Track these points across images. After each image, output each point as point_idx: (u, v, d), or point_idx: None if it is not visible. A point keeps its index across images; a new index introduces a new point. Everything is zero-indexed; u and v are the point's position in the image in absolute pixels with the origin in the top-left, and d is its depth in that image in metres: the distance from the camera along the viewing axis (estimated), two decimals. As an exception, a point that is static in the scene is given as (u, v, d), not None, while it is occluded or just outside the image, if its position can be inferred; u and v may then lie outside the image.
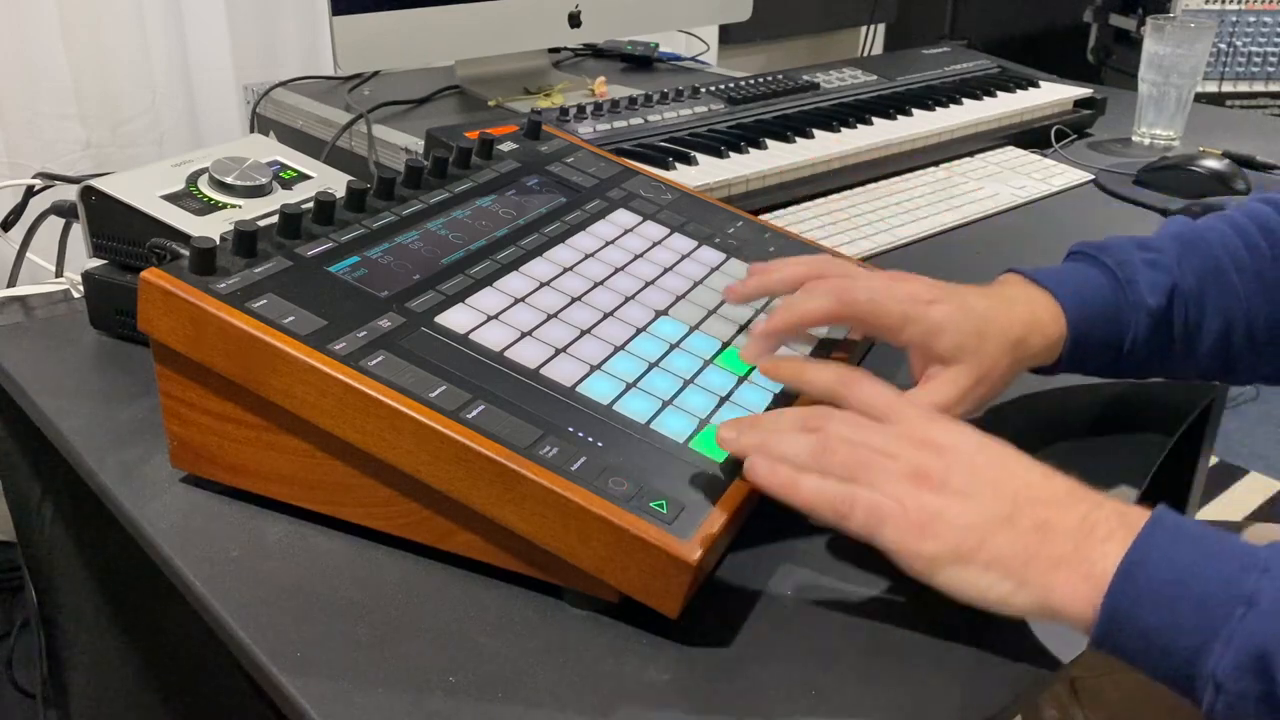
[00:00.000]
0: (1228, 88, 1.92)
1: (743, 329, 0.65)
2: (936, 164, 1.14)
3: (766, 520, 0.57)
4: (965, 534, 0.47)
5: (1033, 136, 1.25)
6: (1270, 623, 0.42)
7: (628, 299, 0.65)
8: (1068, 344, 0.62)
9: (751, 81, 1.20)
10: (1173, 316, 0.64)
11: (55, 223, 0.87)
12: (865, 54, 2.67)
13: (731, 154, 0.99)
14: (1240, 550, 0.45)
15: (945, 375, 0.59)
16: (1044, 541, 0.47)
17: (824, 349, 0.65)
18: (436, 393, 0.51)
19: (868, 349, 0.71)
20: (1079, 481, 0.49)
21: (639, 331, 0.62)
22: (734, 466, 0.53)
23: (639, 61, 1.53)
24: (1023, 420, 0.68)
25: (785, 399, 0.59)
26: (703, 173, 0.94)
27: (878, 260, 0.90)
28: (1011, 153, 1.20)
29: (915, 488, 0.49)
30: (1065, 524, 0.47)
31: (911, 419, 0.52)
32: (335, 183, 0.79)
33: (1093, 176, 1.15)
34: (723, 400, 0.58)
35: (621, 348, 0.60)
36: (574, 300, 0.63)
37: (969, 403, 0.60)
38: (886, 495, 0.49)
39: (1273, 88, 1.92)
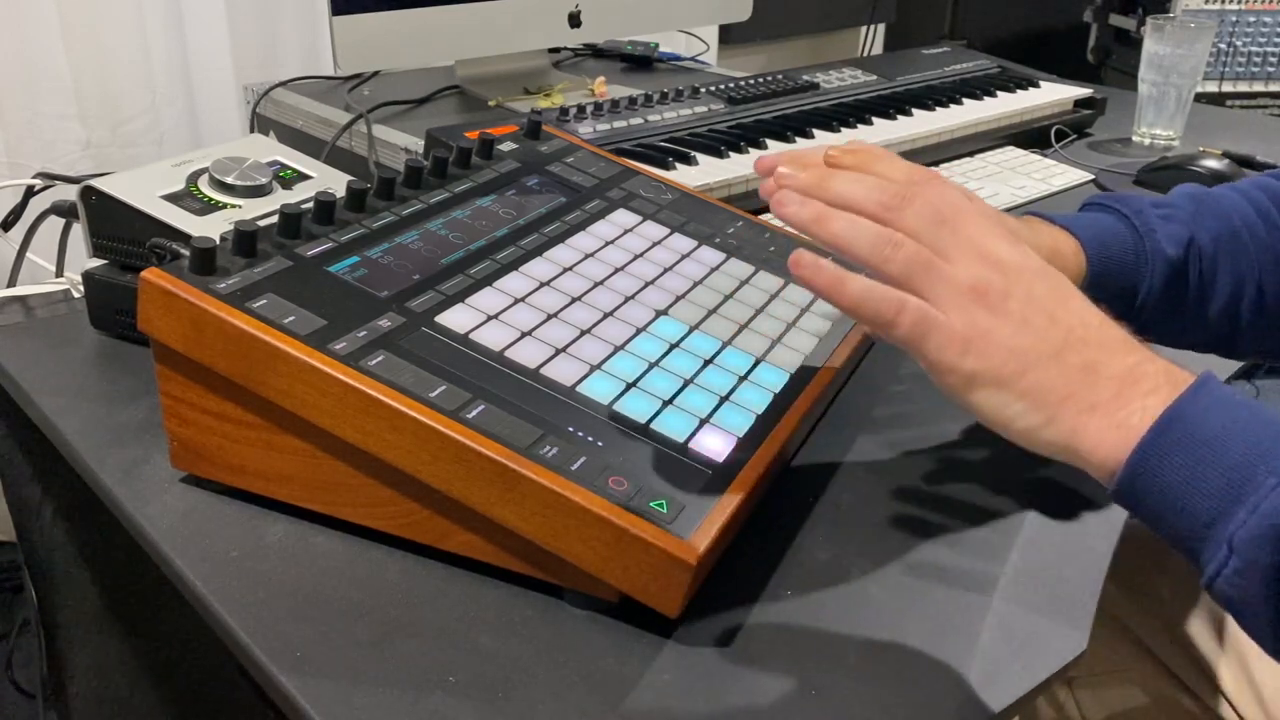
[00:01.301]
0: (1228, 88, 1.92)
1: (743, 328, 0.65)
2: (936, 164, 1.14)
3: (766, 520, 0.57)
4: (1010, 357, 0.46)
5: (1033, 136, 1.25)
6: None
7: (628, 299, 0.65)
8: (1085, 284, 0.61)
9: (751, 81, 1.20)
10: (1188, 270, 0.63)
11: (55, 223, 0.87)
12: (865, 54, 2.66)
13: (731, 154, 0.99)
14: None
15: None
16: (1086, 383, 0.46)
17: (823, 349, 0.65)
18: (436, 392, 0.51)
19: (867, 349, 0.71)
20: (1131, 334, 0.48)
21: (639, 331, 0.62)
22: (734, 467, 0.53)
23: (639, 61, 1.53)
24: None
25: (785, 399, 0.59)
26: (703, 173, 0.94)
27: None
28: (1011, 153, 1.20)
29: (971, 302, 0.47)
30: (1111, 370, 0.46)
31: (980, 228, 0.49)
32: (335, 183, 0.79)
33: (1093, 176, 1.15)
34: (723, 400, 0.58)
35: (621, 347, 0.60)
36: (574, 300, 0.63)
37: None
38: (939, 303, 0.47)
39: (1273, 88, 1.92)
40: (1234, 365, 0.74)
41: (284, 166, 0.80)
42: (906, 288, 0.48)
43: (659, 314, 0.64)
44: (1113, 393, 0.45)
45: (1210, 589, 0.43)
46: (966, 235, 0.49)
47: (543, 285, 0.63)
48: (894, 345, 0.49)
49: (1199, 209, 0.65)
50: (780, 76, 1.23)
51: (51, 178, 0.91)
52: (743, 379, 0.60)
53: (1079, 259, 0.61)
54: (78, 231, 0.77)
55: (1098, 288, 0.62)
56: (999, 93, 1.28)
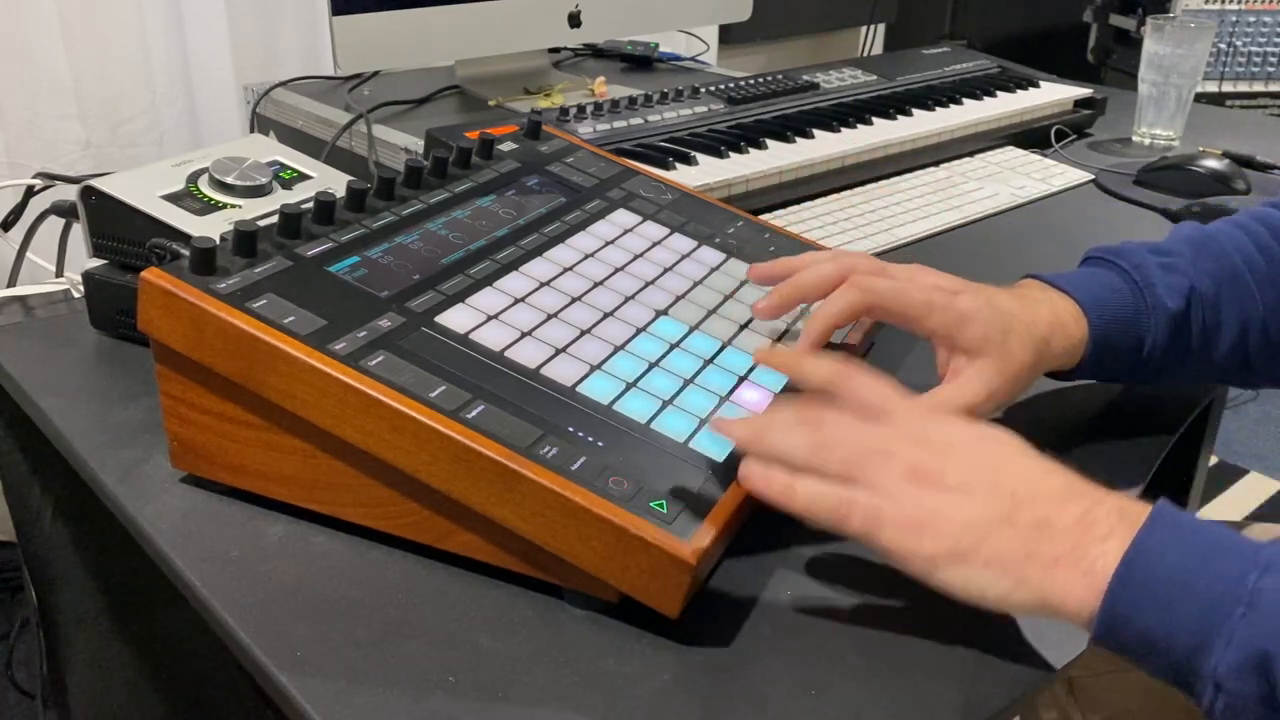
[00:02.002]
0: (1228, 88, 1.92)
1: (743, 328, 0.65)
2: (936, 164, 1.14)
3: (767, 520, 0.57)
4: (964, 532, 0.47)
5: (1033, 136, 1.25)
6: (1271, 623, 0.41)
7: (628, 299, 0.65)
8: (1089, 348, 0.62)
9: (751, 81, 1.20)
10: (1191, 319, 0.64)
11: (55, 223, 0.87)
12: (865, 54, 2.67)
13: (731, 154, 0.99)
14: (1240, 548, 0.44)
15: (971, 370, 0.59)
16: (1042, 539, 0.46)
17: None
18: (436, 393, 0.51)
19: (866, 351, 0.71)
20: (1078, 476, 0.49)
21: (639, 331, 0.62)
22: (734, 466, 0.53)
23: (639, 61, 1.53)
24: (1023, 420, 0.68)
25: (785, 399, 0.59)
26: (703, 173, 0.94)
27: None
28: (1011, 153, 1.20)
29: (913, 486, 0.48)
30: (1064, 521, 0.47)
31: (907, 415, 0.51)
32: (335, 183, 0.79)
33: (1093, 176, 1.15)
34: (723, 400, 0.58)
35: (621, 347, 0.60)
36: (574, 300, 0.63)
37: (995, 400, 0.59)
38: (884, 495, 0.48)
39: (1273, 88, 1.92)
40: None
41: (284, 166, 0.80)
42: (852, 483, 0.49)
43: (659, 314, 0.64)
44: (1070, 544, 0.46)
45: None
46: (895, 423, 0.51)
47: (543, 285, 0.63)
48: (853, 538, 0.50)
49: (1198, 253, 0.65)
50: (780, 76, 1.23)
51: (51, 178, 0.91)
52: (743, 379, 0.60)
53: (1081, 325, 0.62)
54: (78, 231, 0.77)
55: (1102, 348, 0.62)
56: (999, 93, 1.28)
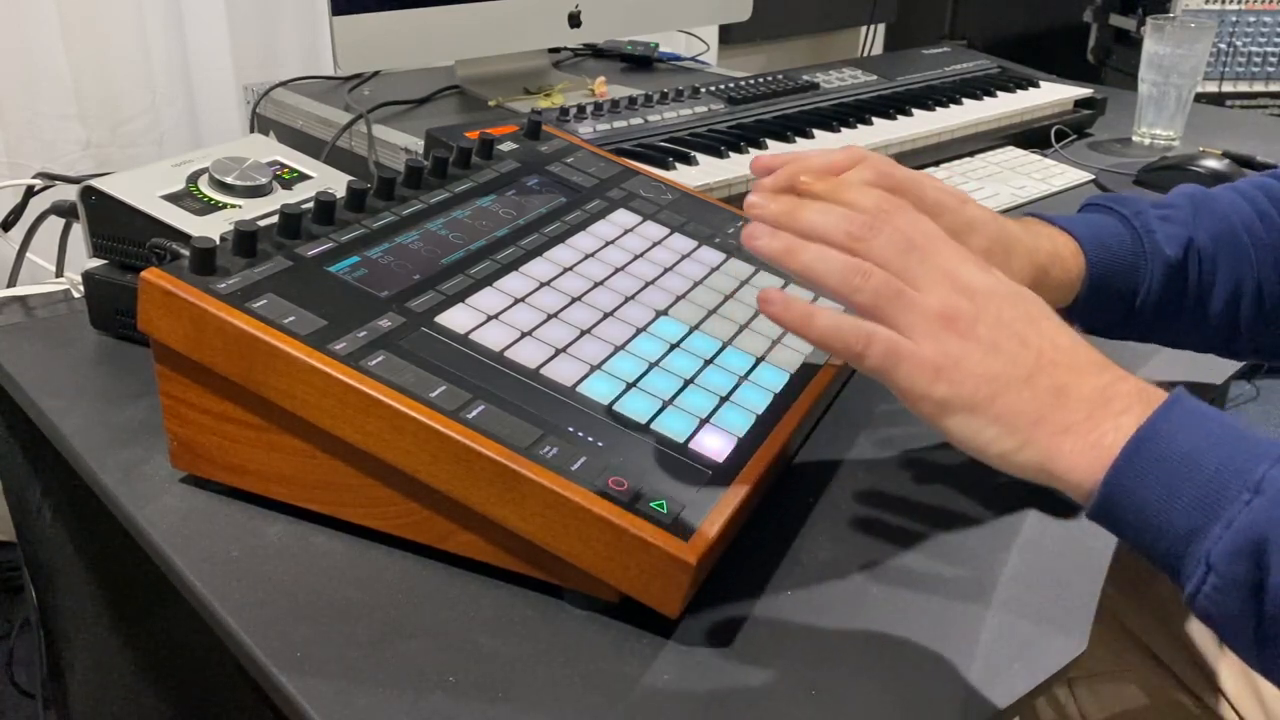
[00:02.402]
0: (1228, 88, 1.92)
1: (744, 328, 0.65)
2: (936, 164, 1.14)
3: (766, 520, 0.57)
4: (981, 383, 0.46)
5: (1033, 136, 1.25)
6: (1275, 511, 0.41)
7: (628, 299, 0.65)
8: (1085, 286, 0.62)
9: (751, 81, 1.20)
10: (1187, 270, 0.63)
11: (55, 223, 0.87)
12: (865, 54, 2.66)
13: (731, 154, 0.99)
14: (1254, 440, 0.44)
15: None
16: (1058, 405, 0.46)
17: (809, 370, 0.64)
18: (436, 393, 0.51)
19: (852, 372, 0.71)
20: (1104, 355, 0.48)
21: (639, 331, 0.62)
22: (734, 467, 0.53)
23: (639, 61, 1.53)
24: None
25: (785, 399, 0.59)
26: (703, 173, 0.94)
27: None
28: (1011, 153, 1.20)
29: (941, 328, 0.47)
30: (1083, 391, 0.46)
31: (948, 256, 0.50)
32: (335, 183, 0.79)
33: (1093, 176, 1.15)
34: (723, 400, 0.58)
35: (622, 348, 0.60)
36: (574, 300, 0.63)
37: None
38: (908, 332, 0.47)
39: (1273, 88, 1.92)
40: (1234, 366, 0.74)
41: (284, 166, 0.80)
42: (876, 317, 0.48)
43: (659, 314, 0.64)
44: (1085, 414, 0.46)
45: (1192, 605, 0.43)
46: (935, 263, 0.49)
47: (543, 285, 0.63)
48: (867, 373, 0.49)
49: (1198, 210, 0.65)
50: (780, 76, 1.23)
51: (51, 178, 0.91)
52: (743, 379, 0.60)
53: (1079, 260, 0.61)
54: (78, 231, 0.77)
55: (1097, 289, 0.62)
56: (999, 93, 1.28)
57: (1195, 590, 0.43)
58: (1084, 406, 0.46)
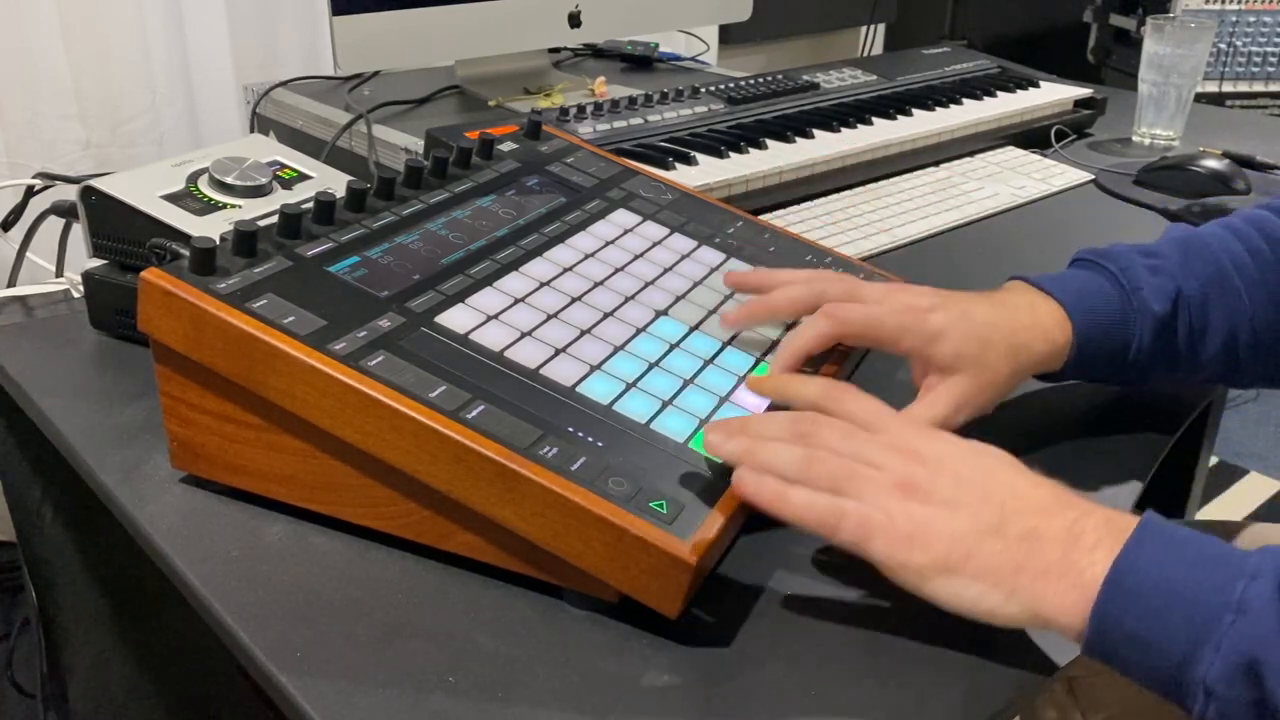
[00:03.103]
0: (1228, 88, 1.92)
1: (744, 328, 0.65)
2: (936, 164, 1.14)
3: (766, 520, 0.57)
4: (953, 544, 0.47)
5: (1033, 136, 1.25)
6: (1259, 629, 0.42)
7: (628, 299, 0.65)
8: (1073, 351, 0.62)
9: (751, 81, 1.20)
10: (1177, 323, 0.64)
11: (55, 223, 0.87)
12: (865, 54, 2.67)
13: (731, 154, 0.99)
14: (1228, 556, 0.45)
15: (943, 386, 0.59)
16: (1032, 550, 0.47)
17: (814, 363, 0.64)
18: (436, 393, 0.51)
19: (861, 358, 0.71)
20: (1066, 488, 0.49)
21: (639, 331, 0.62)
22: (733, 468, 0.53)
23: (639, 61, 1.53)
24: (1022, 420, 0.68)
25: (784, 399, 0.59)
26: (703, 173, 0.94)
27: (878, 260, 0.90)
28: (1011, 153, 1.20)
29: (902, 498, 0.49)
30: (1052, 532, 0.47)
31: (896, 429, 0.52)
32: (335, 183, 0.79)
33: (1093, 176, 1.15)
34: (723, 400, 0.58)
35: (621, 348, 0.60)
36: (574, 300, 0.63)
37: (969, 411, 0.59)
38: (874, 507, 0.48)
39: (1273, 88, 1.92)
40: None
41: (284, 166, 0.80)
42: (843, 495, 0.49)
43: (659, 314, 0.64)
44: (1059, 554, 0.46)
45: None
46: (884, 440, 0.51)
47: (543, 285, 0.63)
48: (845, 547, 0.50)
49: (1187, 255, 0.65)
50: (780, 76, 1.23)
51: (51, 178, 0.91)
52: (743, 379, 0.60)
53: (1065, 331, 0.62)
54: (78, 231, 0.77)
55: (1085, 352, 0.63)
56: (999, 93, 1.28)
57: (1202, 715, 0.43)
58: (1056, 546, 0.47)
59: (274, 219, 0.60)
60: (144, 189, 0.73)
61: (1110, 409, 0.72)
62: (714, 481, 0.52)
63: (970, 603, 0.47)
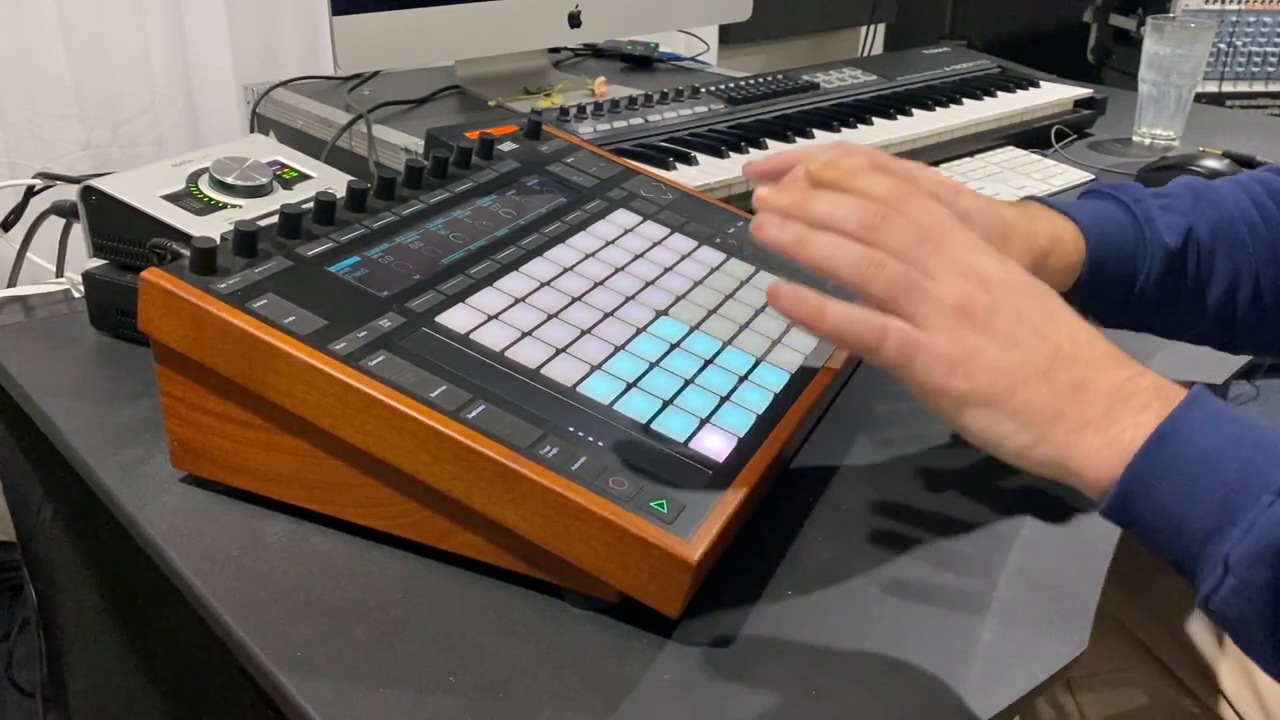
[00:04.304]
0: (1228, 88, 1.92)
1: (744, 328, 0.65)
2: (936, 164, 1.14)
3: (767, 520, 0.57)
4: (998, 377, 0.45)
5: (1033, 136, 1.25)
6: None
7: (628, 299, 0.65)
8: (1085, 270, 0.61)
9: (751, 81, 1.20)
10: (1186, 259, 0.63)
11: (55, 223, 0.87)
12: (865, 54, 2.66)
13: (731, 154, 0.99)
14: (1275, 441, 0.43)
15: None
16: (1076, 400, 0.45)
17: (823, 349, 0.64)
18: (437, 393, 0.51)
19: (855, 368, 0.71)
20: (1121, 350, 0.48)
21: (639, 331, 0.62)
22: (734, 467, 0.53)
23: (639, 61, 1.53)
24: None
25: (785, 399, 0.59)
26: (703, 173, 0.94)
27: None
28: (1011, 153, 1.20)
29: (958, 321, 0.46)
30: (1101, 386, 0.45)
31: (964, 246, 0.49)
32: (335, 183, 0.79)
33: (1093, 177, 1.15)
34: (723, 400, 0.58)
35: (622, 347, 0.60)
36: (574, 300, 0.63)
37: None
38: (925, 325, 0.46)
39: (1273, 88, 1.92)
40: (1235, 364, 0.74)
41: (284, 166, 0.80)
42: (891, 309, 0.47)
43: (659, 314, 0.64)
44: (1103, 410, 0.45)
45: (1206, 608, 0.43)
46: (950, 252, 0.48)
47: (543, 285, 0.63)
48: (881, 367, 0.48)
49: (1198, 200, 0.65)
50: (780, 76, 1.23)
51: (51, 178, 0.91)
52: (743, 379, 0.60)
53: (1078, 245, 0.61)
54: (78, 231, 0.77)
55: (1097, 274, 0.62)
56: (999, 93, 1.28)
57: (1211, 592, 0.42)
58: (1102, 402, 0.45)
59: (274, 219, 0.60)
60: (144, 189, 0.73)
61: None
62: (715, 481, 0.52)
63: (1000, 439, 0.46)
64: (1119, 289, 0.63)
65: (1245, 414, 0.45)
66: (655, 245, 0.72)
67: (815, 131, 1.07)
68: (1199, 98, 1.32)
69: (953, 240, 0.48)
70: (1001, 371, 0.46)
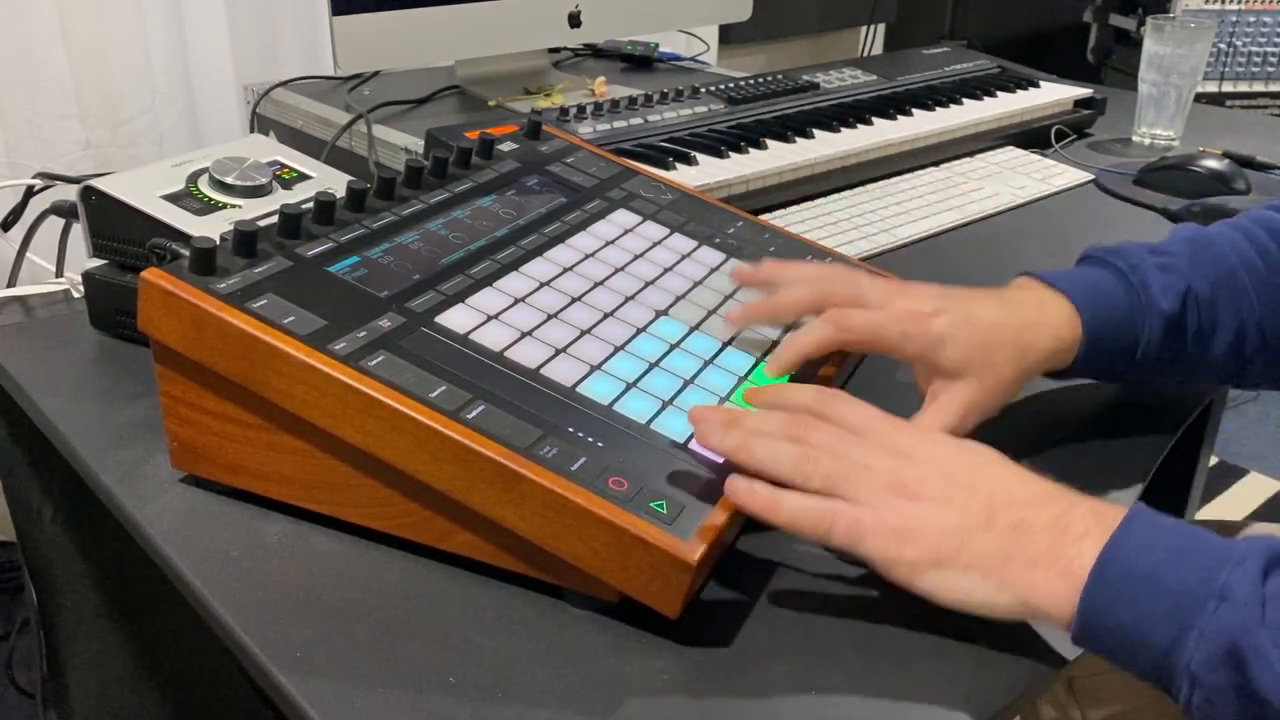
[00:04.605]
0: (1228, 88, 1.92)
1: (743, 329, 0.65)
2: (936, 164, 1.14)
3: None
4: (944, 538, 0.48)
5: (1033, 136, 1.25)
6: (1242, 616, 0.42)
7: (628, 299, 0.65)
8: (1083, 348, 0.62)
9: (751, 81, 1.20)
10: (1186, 320, 0.64)
11: (55, 223, 0.87)
12: (865, 54, 2.67)
13: (731, 154, 0.99)
14: (1215, 545, 0.45)
15: (949, 394, 0.59)
16: (1021, 541, 0.47)
17: (813, 364, 0.64)
18: (436, 393, 0.51)
19: (860, 360, 0.71)
20: (1053, 483, 0.50)
21: (639, 331, 0.62)
22: (733, 467, 0.53)
23: (639, 61, 1.53)
24: (1023, 420, 0.68)
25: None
26: (703, 173, 0.94)
27: (878, 260, 0.90)
28: (1011, 153, 1.20)
29: (894, 496, 0.49)
30: (1040, 522, 0.48)
31: (886, 431, 0.53)
32: (335, 183, 0.79)
33: (1093, 177, 1.15)
34: (722, 400, 0.58)
35: (621, 348, 0.60)
36: (574, 300, 0.63)
37: (977, 416, 0.59)
38: (866, 506, 0.49)
39: (1273, 88, 1.92)
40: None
41: (284, 166, 0.80)
42: (833, 496, 0.50)
43: (659, 314, 0.64)
44: (1047, 544, 0.47)
45: (1187, 715, 0.44)
46: (875, 441, 0.52)
47: (543, 285, 0.63)
48: (837, 549, 0.50)
49: (1196, 253, 0.65)
50: (780, 76, 1.23)
51: (51, 178, 0.91)
52: (743, 379, 0.60)
53: (1074, 328, 0.62)
54: (78, 231, 0.77)
55: (1094, 349, 0.63)
56: (999, 93, 1.28)
57: (1186, 702, 0.44)
58: (1045, 537, 0.47)
59: (274, 219, 0.60)
60: (144, 189, 0.73)
61: (1110, 409, 0.72)
62: (715, 481, 0.52)
63: (962, 594, 0.48)
64: (1119, 359, 0.64)
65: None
66: (655, 245, 0.72)
67: (815, 131, 1.07)
68: (1199, 98, 1.32)
69: (875, 430, 0.53)
70: (945, 531, 0.48)
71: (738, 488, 0.50)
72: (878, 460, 0.51)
